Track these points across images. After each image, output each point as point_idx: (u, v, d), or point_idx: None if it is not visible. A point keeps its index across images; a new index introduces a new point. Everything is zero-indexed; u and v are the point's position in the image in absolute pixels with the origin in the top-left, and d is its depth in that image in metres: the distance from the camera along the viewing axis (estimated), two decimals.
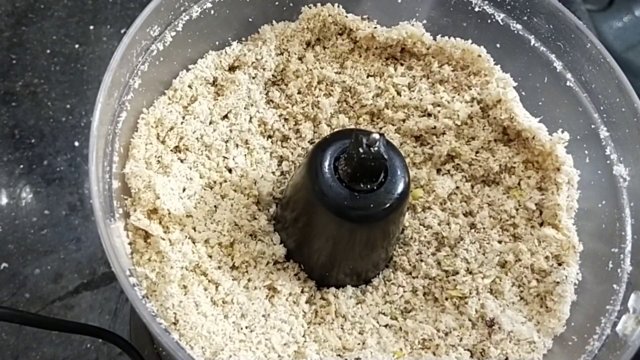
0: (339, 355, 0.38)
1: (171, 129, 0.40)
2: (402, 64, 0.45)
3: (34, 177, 0.67)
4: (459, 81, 0.44)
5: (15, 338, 0.60)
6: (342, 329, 0.39)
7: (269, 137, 0.43)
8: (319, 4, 0.43)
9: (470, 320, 0.39)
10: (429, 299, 0.40)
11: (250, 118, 0.42)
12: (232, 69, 0.43)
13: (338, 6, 0.43)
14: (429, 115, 0.43)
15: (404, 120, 0.44)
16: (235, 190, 0.40)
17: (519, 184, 0.42)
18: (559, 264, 0.40)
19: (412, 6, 0.44)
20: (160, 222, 0.37)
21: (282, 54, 0.44)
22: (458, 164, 0.43)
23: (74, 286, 0.62)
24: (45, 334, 0.60)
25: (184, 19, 0.40)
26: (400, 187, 0.35)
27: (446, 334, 0.39)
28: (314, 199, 0.35)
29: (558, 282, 0.39)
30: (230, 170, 0.41)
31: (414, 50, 0.44)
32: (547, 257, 0.40)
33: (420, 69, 0.45)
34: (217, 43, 0.43)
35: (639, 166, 0.39)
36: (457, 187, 0.42)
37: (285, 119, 0.43)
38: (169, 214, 0.37)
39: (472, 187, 0.43)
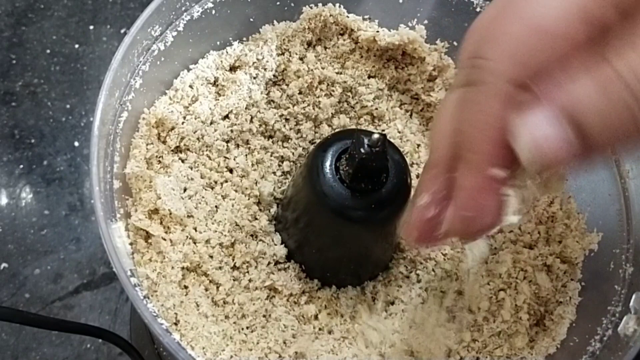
0: (339, 356, 0.38)
1: (172, 129, 0.40)
2: (402, 68, 0.45)
3: (34, 177, 0.67)
4: None
5: (15, 338, 0.60)
6: (342, 329, 0.39)
7: (270, 137, 0.43)
8: (320, 4, 0.43)
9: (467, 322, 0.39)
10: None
11: (251, 118, 0.42)
12: (233, 69, 0.43)
13: (339, 6, 0.43)
14: None
15: None
16: (236, 191, 0.40)
17: None
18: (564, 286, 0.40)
19: (413, 7, 0.44)
20: (161, 222, 0.37)
21: (283, 54, 0.43)
22: None
23: (74, 286, 0.62)
24: (45, 334, 0.60)
25: (185, 19, 0.40)
26: (401, 188, 0.35)
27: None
28: (315, 199, 0.35)
29: (560, 302, 0.39)
30: (231, 171, 0.41)
31: (415, 55, 0.44)
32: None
33: (421, 70, 0.45)
34: (218, 43, 0.43)
35: None
36: None
37: (286, 119, 0.43)
38: (170, 214, 0.37)
39: None
